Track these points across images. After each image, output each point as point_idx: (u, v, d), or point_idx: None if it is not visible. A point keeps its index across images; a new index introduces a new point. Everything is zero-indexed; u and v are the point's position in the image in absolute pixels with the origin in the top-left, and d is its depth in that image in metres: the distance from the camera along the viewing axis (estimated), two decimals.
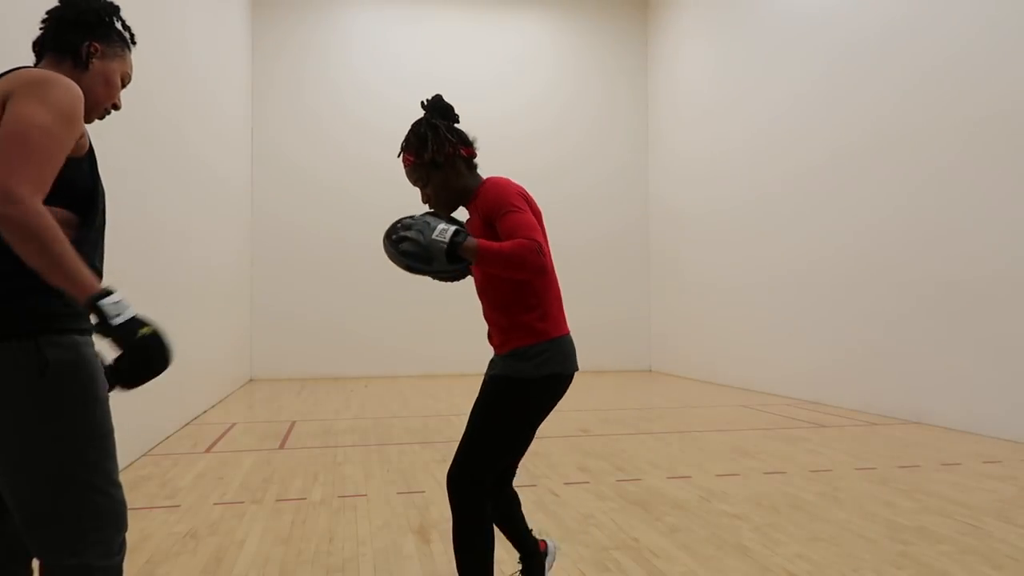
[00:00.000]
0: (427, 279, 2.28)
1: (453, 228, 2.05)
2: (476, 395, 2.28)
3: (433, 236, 2.03)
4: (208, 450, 5.49)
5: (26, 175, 1.41)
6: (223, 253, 8.81)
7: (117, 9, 1.80)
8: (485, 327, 2.36)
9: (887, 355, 6.99)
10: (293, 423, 6.81)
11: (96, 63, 1.72)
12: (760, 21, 9.24)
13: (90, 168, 1.66)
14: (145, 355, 1.50)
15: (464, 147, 2.27)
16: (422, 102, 2.31)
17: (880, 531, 3.40)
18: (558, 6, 12.27)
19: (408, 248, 2.07)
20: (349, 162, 11.50)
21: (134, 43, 1.85)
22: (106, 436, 1.60)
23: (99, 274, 1.69)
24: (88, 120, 1.74)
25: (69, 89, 1.55)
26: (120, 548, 1.62)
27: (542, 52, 12.20)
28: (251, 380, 10.86)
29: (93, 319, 1.47)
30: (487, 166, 2.43)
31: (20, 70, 1.58)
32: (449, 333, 11.24)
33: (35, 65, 1.72)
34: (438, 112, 2.29)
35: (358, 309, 11.36)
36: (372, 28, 11.73)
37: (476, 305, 2.35)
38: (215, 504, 3.95)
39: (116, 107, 1.82)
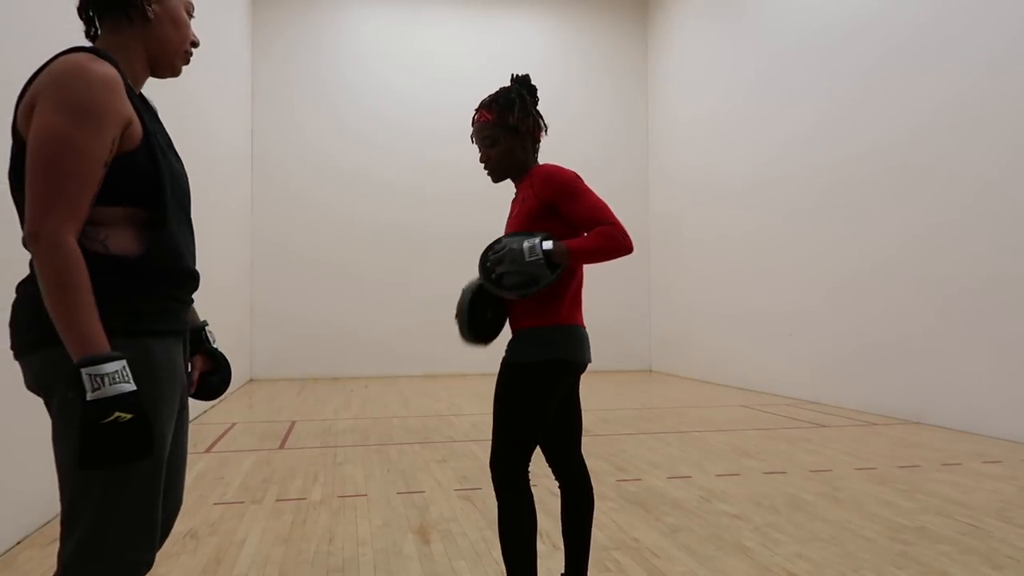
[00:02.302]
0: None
1: (538, 239, 2.09)
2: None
3: (528, 259, 2.07)
4: (208, 450, 5.49)
5: (54, 208, 1.32)
6: (223, 253, 8.81)
7: None
8: None
9: (887, 355, 6.99)
10: (293, 423, 6.81)
11: (156, 8, 1.56)
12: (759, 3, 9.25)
13: (148, 157, 1.49)
14: (101, 443, 1.27)
15: (537, 128, 2.37)
16: (512, 75, 2.39)
17: (880, 531, 3.40)
18: None
19: (515, 281, 2.11)
20: (349, 162, 11.50)
21: None
22: (159, 461, 1.47)
23: (192, 275, 1.59)
24: (176, 73, 1.65)
25: (90, 81, 1.38)
26: (143, 567, 1.49)
27: (542, 39, 12.20)
28: (251, 380, 10.86)
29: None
30: None
31: (54, 61, 1.43)
32: (449, 333, 11.01)
33: (94, 32, 1.58)
34: (526, 88, 2.37)
35: (358, 309, 11.36)
36: (372, 17, 11.74)
37: None
38: (215, 504, 3.95)
39: (195, 44, 1.66)
